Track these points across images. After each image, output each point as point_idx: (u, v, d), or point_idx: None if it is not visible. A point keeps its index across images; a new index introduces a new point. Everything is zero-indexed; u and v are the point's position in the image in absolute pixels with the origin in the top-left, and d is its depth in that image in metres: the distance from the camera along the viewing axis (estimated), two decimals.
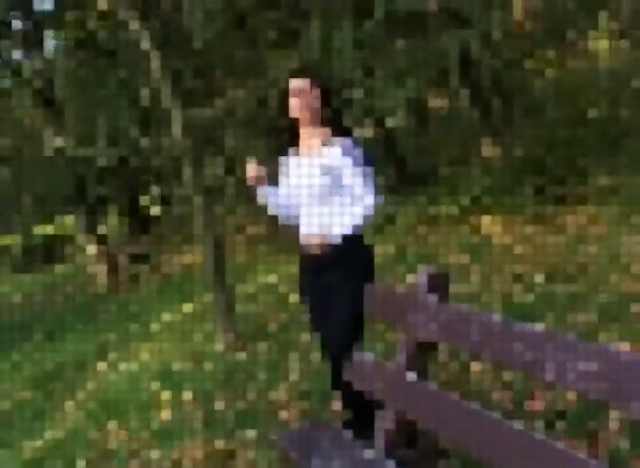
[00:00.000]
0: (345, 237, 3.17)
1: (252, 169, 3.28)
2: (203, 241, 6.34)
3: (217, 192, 8.81)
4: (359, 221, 3.16)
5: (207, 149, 8.97)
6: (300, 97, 3.21)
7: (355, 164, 3.19)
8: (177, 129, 6.22)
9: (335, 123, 3.27)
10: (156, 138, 9.31)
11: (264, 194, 3.38)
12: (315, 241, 3.17)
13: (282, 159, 3.41)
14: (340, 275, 3.17)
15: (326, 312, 3.24)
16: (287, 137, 3.35)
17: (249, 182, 3.30)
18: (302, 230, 3.28)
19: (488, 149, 9.75)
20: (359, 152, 3.21)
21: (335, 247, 3.17)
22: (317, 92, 3.22)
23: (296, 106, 3.21)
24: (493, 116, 8.99)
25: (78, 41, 9.48)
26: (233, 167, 9.91)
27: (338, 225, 3.19)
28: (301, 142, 3.30)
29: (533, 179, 7.79)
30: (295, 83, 3.23)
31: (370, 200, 3.16)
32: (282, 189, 3.36)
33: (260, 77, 8.50)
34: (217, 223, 6.80)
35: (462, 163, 11.36)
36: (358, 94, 6.90)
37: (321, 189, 3.19)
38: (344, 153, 3.18)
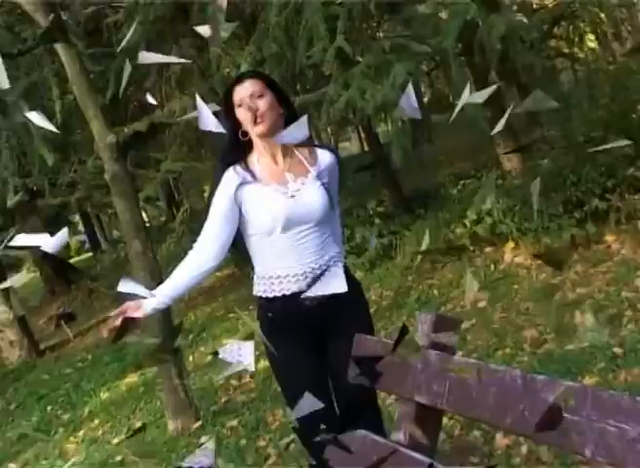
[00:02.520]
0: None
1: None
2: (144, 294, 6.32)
3: (159, 229, 8.68)
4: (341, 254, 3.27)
5: (142, 174, 8.94)
6: (257, 104, 3.17)
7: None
8: (103, 150, 6.28)
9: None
10: (77, 164, 9.27)
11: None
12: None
13: (229, 195, 3.21)
14: (346, 328, 3.18)
15: (324, 381, 3.22)
16: (228, 160, 3.26)
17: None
18: (287, 273, 3.20)
19: (506, 158, 9.80)
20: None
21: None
22: (272, 96, 3.21)
23: (249, 117, 3.17)
24: (510, 115, 8.98)
25: None
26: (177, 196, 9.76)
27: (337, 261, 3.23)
28: (263, 165, 3.26)
29: (564, 194, 7.83)
30: (246, 86, 3.20)
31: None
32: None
33: (209, 79, 8.63)
34: (161, 270, 6.80)
35: (474, 177, 11.47)
36: (334, 91, 6.90)
37: (318, 216, 3.20)
38: (337, 161, 3.31)
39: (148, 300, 3.15)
